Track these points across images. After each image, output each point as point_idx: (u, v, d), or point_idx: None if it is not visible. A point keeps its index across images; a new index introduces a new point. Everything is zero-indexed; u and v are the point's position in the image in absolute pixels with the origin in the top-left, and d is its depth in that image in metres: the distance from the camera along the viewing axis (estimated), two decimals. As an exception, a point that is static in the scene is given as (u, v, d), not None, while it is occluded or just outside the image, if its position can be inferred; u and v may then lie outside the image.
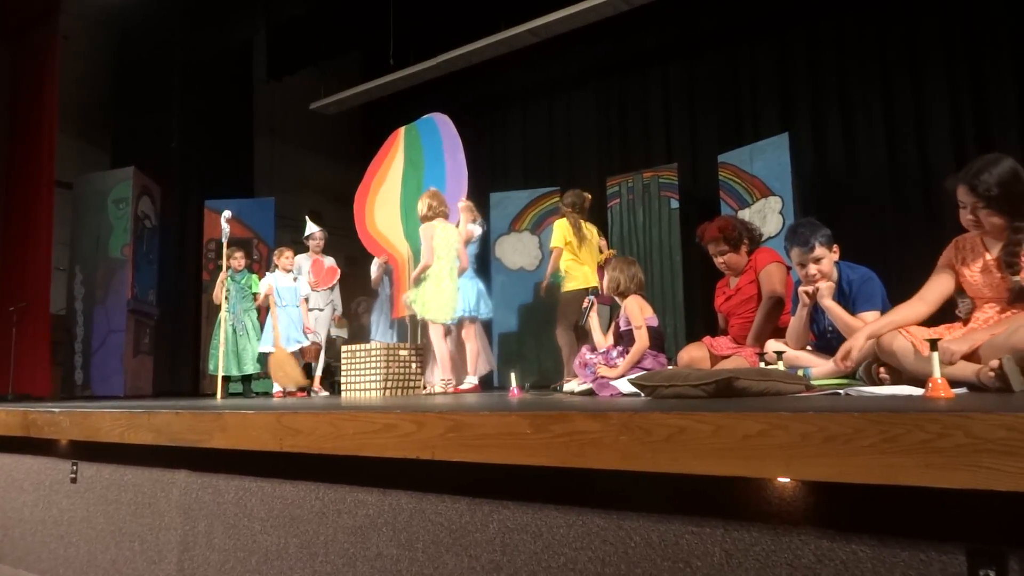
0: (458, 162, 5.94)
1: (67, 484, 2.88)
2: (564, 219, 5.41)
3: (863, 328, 2.43)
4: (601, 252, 5.56)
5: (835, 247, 2.99)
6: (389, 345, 5.24)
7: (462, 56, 7.77)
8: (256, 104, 9.38)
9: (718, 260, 3.74)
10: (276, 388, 5.73)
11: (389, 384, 5.02)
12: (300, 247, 6.46)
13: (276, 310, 5.75)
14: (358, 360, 5.15)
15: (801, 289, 2.98)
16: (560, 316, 5.32)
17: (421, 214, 5.33)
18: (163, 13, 7.88)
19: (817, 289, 2.90)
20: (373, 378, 5.03)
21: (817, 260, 2.93)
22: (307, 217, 6.55)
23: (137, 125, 8.25)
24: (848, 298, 2.93)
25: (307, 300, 5.97)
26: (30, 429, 2.96)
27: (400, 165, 6.49)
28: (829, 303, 2.88)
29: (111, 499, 2.69)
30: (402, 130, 6.58)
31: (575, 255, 5.31)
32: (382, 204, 6.41)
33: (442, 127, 6.19)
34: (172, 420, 2.37)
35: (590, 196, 5.62)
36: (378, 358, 5.05)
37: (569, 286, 5.28)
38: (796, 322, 3.05)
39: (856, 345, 2.32)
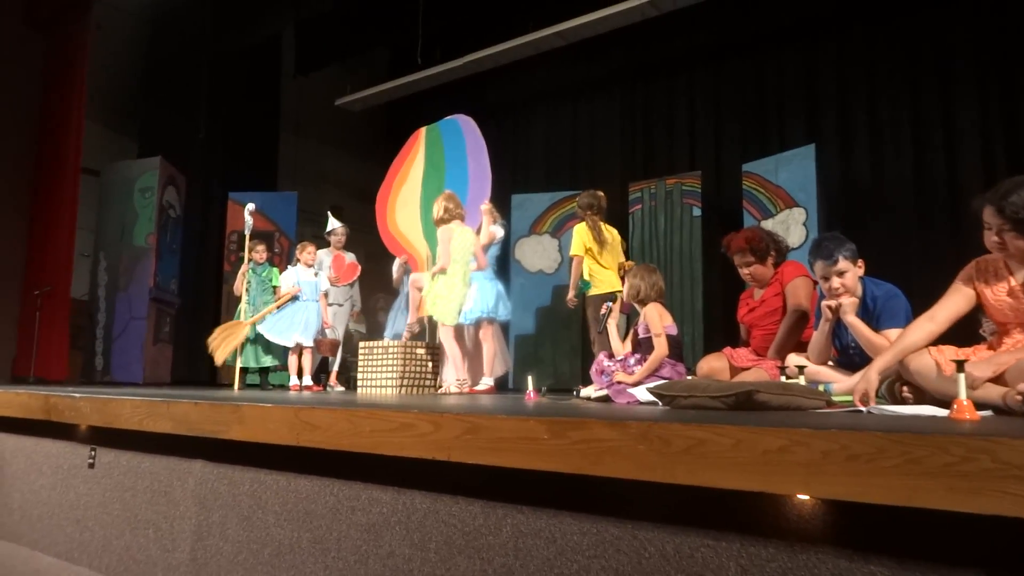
0: (481, 165, 5.93)
1: (85, 469, 2.91)
2: (582, 224, 5.29)
3: (873, 364, 2.37)
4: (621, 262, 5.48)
5: (860, 262, 2.95)
6: (406, 343, 5.25)
7: (489, 57, 7.78)
8: (282, 99, 9.45)
9: (743, 271, 3.70)
10: (292, 381, 5.77)
11: (405, 382, 5.03)
12: (321, 242, 6.49)
13: (287, 304, 5.79)
14: (375, 357, 5.17)
15: (824, 304, 2.94)
16: (592, 321, 5.27)
17: (437, 217, 5.29)
18: (194, 6, 7.97)
19: (840, 305, 2.87)
20: (389, 375, 5.04)
21: (841, 274, 2.90)
22: (329, 213, 6.59)
23: (165, 116, 8.35)
24: (872, 314, 2.90)
25: (326, 295, 6.01)
26: (51, 413, 2.99)
27: (421, 166, 6.49)
28: (852, 319, 2.85)
29: (127, 486, 2.71)
30: (423, 130, 6.58)
31: (597, 259, 5.25)
32: (403, 204, 6.43)
33: (466, 129, 6.18)
34: (191, 410, 2.39)
35: (604, 195, 5.48)
36: (395, 355, 5.06)
37: (596, 291, 5.22)
38: (819, 337, 3.02)
39: (872, 388, 2.26)
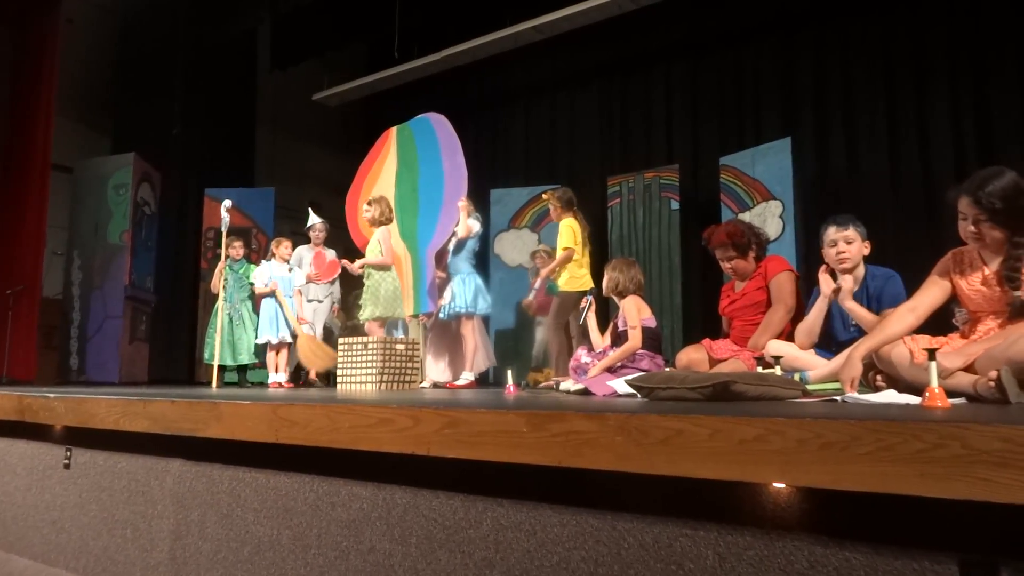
0: (456, 163, 5.88)
1: (60, 470, 2.87)
2: (572, 219, 5.25)
3: (854, 351, 2.42)
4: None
5: (867, 243, 3.07)
6: (386, 339, 5.23)
7: (466, 51, 7.76)
8: (259, 93, 9.35)
9: (725, 265, 3.72)
10: (272, 379, 5.73)
11: (385, 378, 5.01)
12: (299, 238, 6.44)
13: (284, 299, 5.76)
14: (355, 353, 5.14)
15: (820, 273, 3.05)
16: (558, 314, 5.25)
17: (372, 217, 5.46)
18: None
19: (840, 287, 2.95)
20: (369, 371, 5.02)
21: (849, 241, 3.01)
22: (309, 208, 6.54)
23: (139, 111, 8.23)
24: (871, 296, 3.00)
25: (300, 292, 5.98)
26: (24, 414, 2.95)
27: (393, 165, 6.42)
28: (850, 304, 2.95)
29: (104, 486, 2.68)
30: (393, 130, 6.49)
31: (579, 256, 5.23)
32: None
33: (438, 127, 6.10)
34: (168, 408, 2.37)
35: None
36: (374, 352, 5.04)
37: (571, 287, 5.21)
38: (814, 314, 3.06)
39: (856, 374, 2.32)
